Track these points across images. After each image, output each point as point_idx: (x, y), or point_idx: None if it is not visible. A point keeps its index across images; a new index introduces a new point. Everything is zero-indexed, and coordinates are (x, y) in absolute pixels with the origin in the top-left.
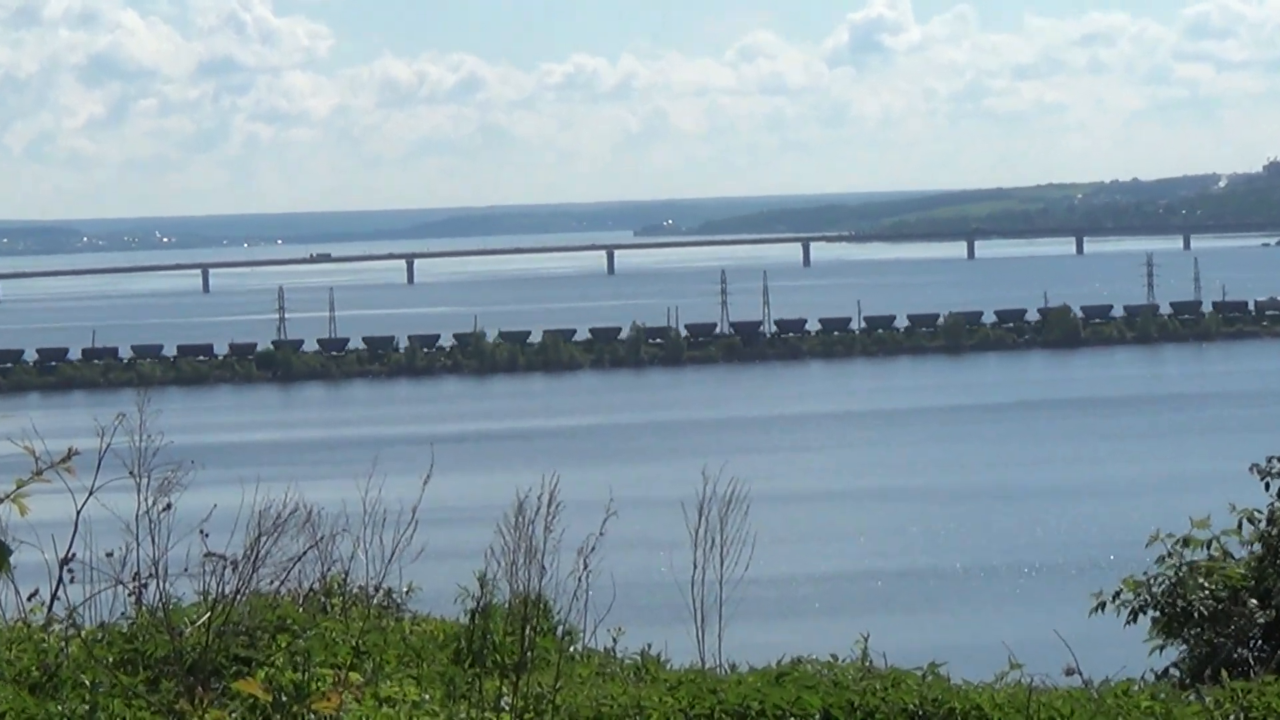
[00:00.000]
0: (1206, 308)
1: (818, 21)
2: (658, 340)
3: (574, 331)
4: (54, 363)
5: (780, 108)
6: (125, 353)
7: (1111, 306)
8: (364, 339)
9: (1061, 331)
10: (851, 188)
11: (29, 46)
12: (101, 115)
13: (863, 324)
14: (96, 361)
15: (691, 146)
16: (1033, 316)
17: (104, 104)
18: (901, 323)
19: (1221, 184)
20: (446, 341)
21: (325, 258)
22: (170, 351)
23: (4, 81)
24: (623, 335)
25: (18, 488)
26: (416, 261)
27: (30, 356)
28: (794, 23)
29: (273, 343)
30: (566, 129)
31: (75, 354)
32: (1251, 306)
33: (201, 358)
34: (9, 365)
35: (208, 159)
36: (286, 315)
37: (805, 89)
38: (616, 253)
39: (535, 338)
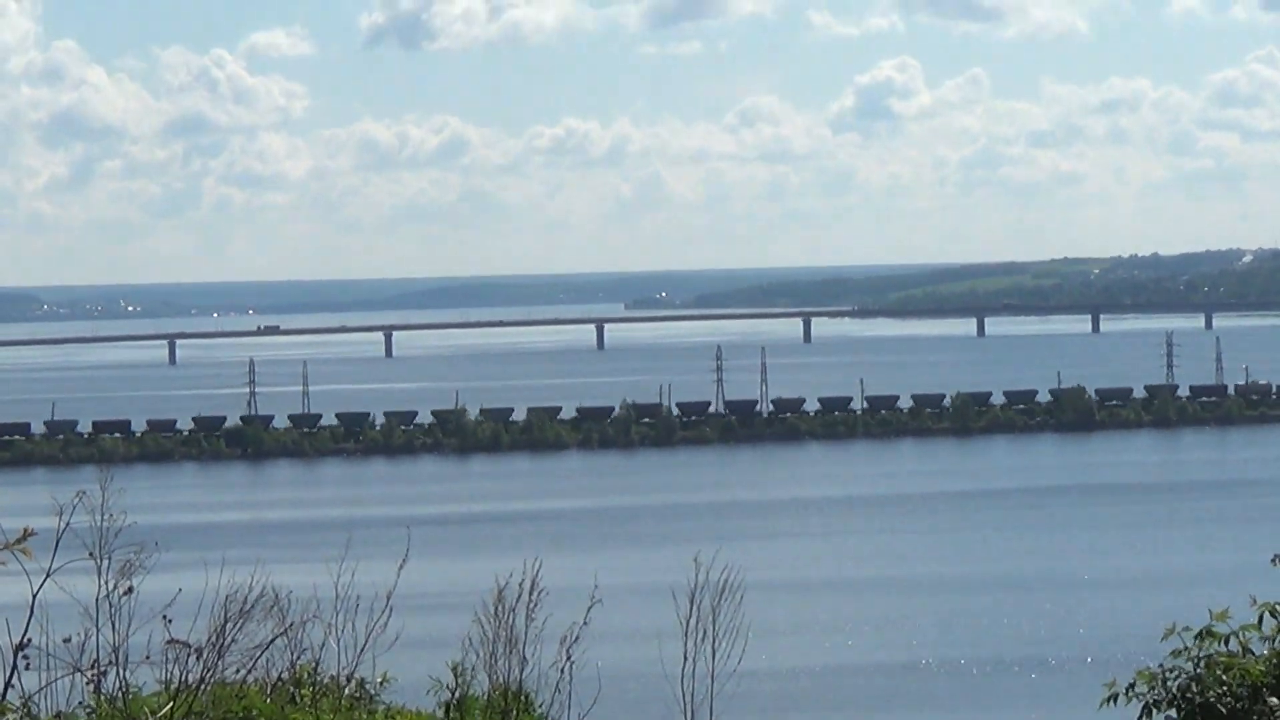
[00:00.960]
0: (1230, 390)
1: (823, 85)
2: (649, 420)
3: (560, 409)
4: (11, 437)
5: (782, 175)
6: (86, 427)
7: (1132, 390)
8: (338, 415)
9: (1075, 414)
10: (856, 260)
11: None
12: (64, 176)
13: (865, 404)
14: (57, 437)
15: (687, 215)
16: (1044, 397)
17: (67, 164)
18: (906, 403)
19: (1246, 259)
20: (425, 419)
21: (274, 329)
22: (135, 427)
23: None
24: (612, 414)
25: None
26: (395, 334)
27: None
28: (798, 86)
29: (242, 418)
30: (556, 195)
31: (35, 428)
32: (1276, 391)
33: (167, 433)
34: None
35: (176, 223)
36: (257, 389)
37: (808, 155)
38: (607, 326)
39: (519, 416)
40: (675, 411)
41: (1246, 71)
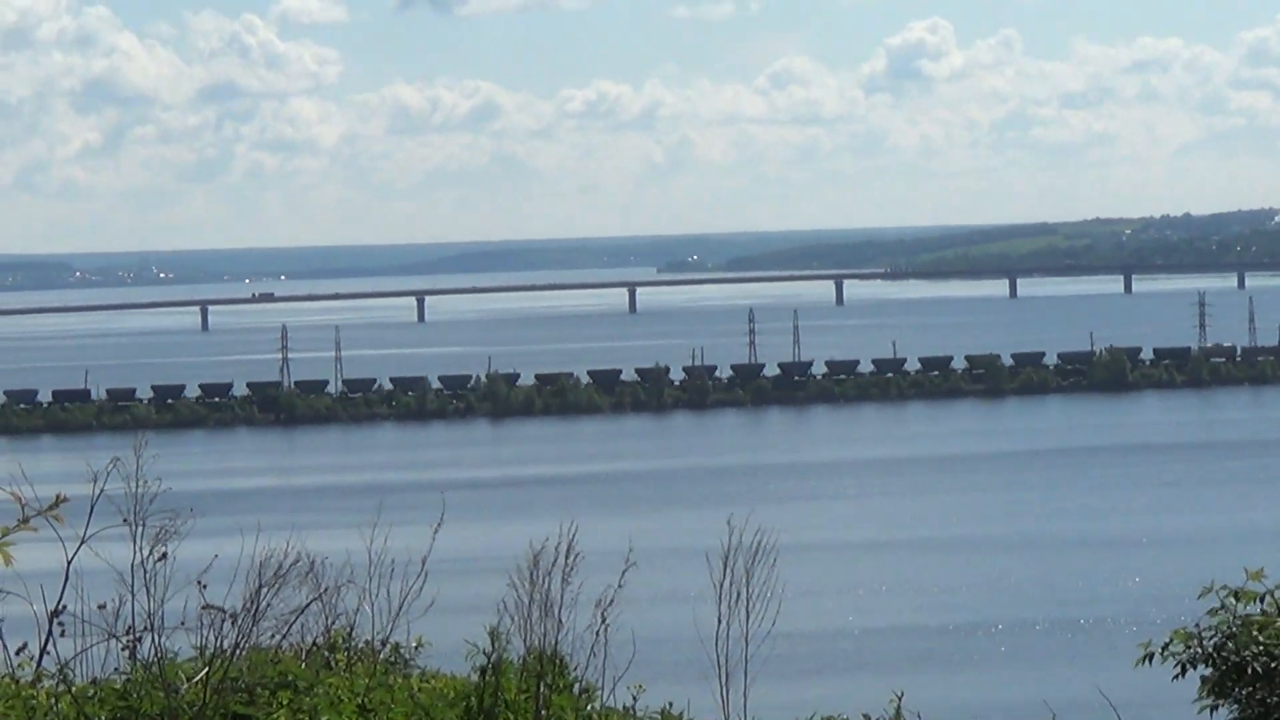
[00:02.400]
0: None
1: (854, 46)
2: (681, 382)
3: (615, 373)
4: (45, 404)
5: (814, 137)
6: (120, 394)
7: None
8: (371, 381)
9: (1109, 374)
10: (888, 222)
11: (20, 70)
12: (96, 143)
13: (895, 365)
14: (89, 403)
15: (719, 178)
16: (1052, 360)
17: (99, 131)
18: (957, 364)
19: (1278, 219)
20: (459, 383)
21: (269, 296)
22: (168, 393)
23: None
24: (644, 377)
25: (2, 536)
26: (428, 299)
27: (18, 398)
28: (829, 48)
29: (276, 384)
30: (587, 159)
31: (68, 395)
32: (1240, 353)
33: (200, 399)
34: None
35: (208, 190)
36: (290, 355)
37: (840, 117)
38: (639, 290)
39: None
40: (719, 374)
41: (1278, 30)
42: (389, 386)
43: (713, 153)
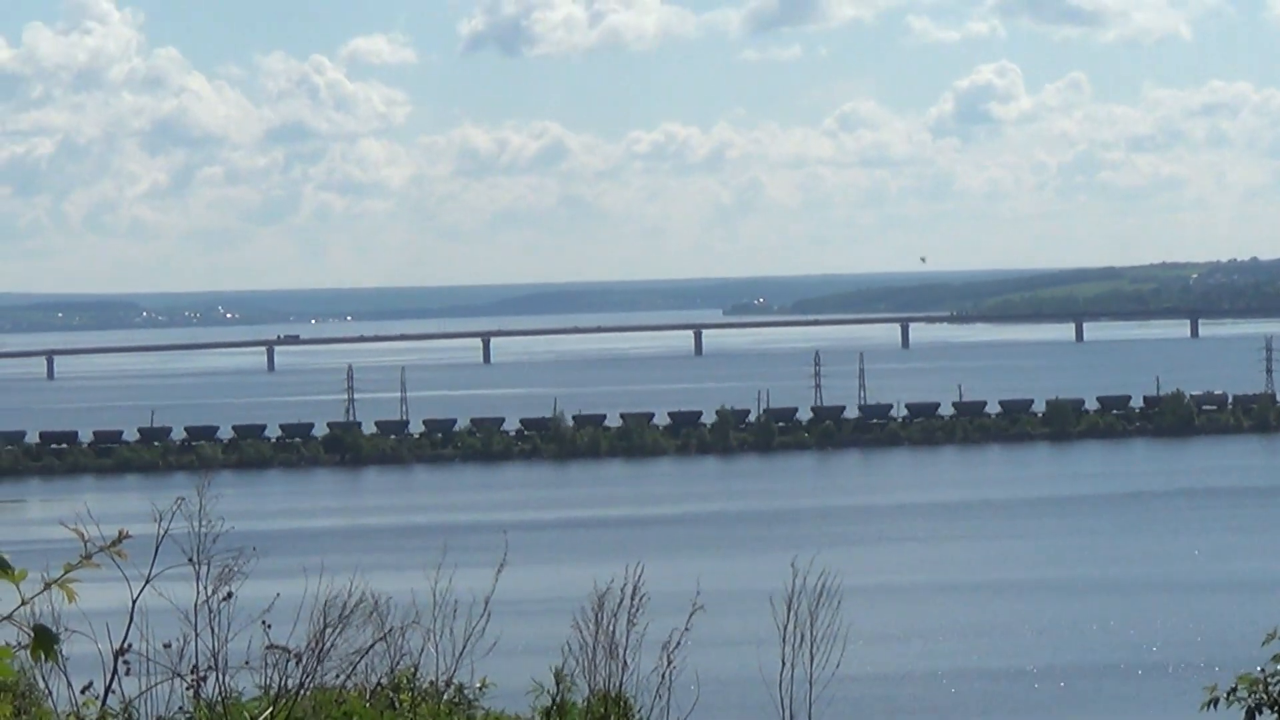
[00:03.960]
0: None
1: (922, 89)
2: (746, 425)
3: (656, 415)
4: (110, 444)
5: (881, 180)
6: (184, 434)
7: (1227, 396)
8: (437, 421)
9: (1174, 419)
10: (954, 266)
11: (90, 111)
12: (165, 183)
13: (968, 409)
14: (155, 443)
15: (786, 220)
16: (1138, 403)
17: (167, 172)
18: (996, 409)
19: None
20: (523, 425)
21: (294, 339)
22: (231, 433)
23: (63, 148)
24: (709, 420)
25: (66, 572)
26: (493, 340)
27: (86, 438)
28: (897, 90)
29: (338, 424)
30: (654, 201)
31: (132, 435)
32: (1231, 401)
33: (265, 439)
34: (64, 446)
35: (275, 230)
36: (355, 396)
37: (907, 160)
38: (705, 332)
39: (616, 421)
40: (778, 417)
41: None
42: (456, 427)
43: (780, 195)
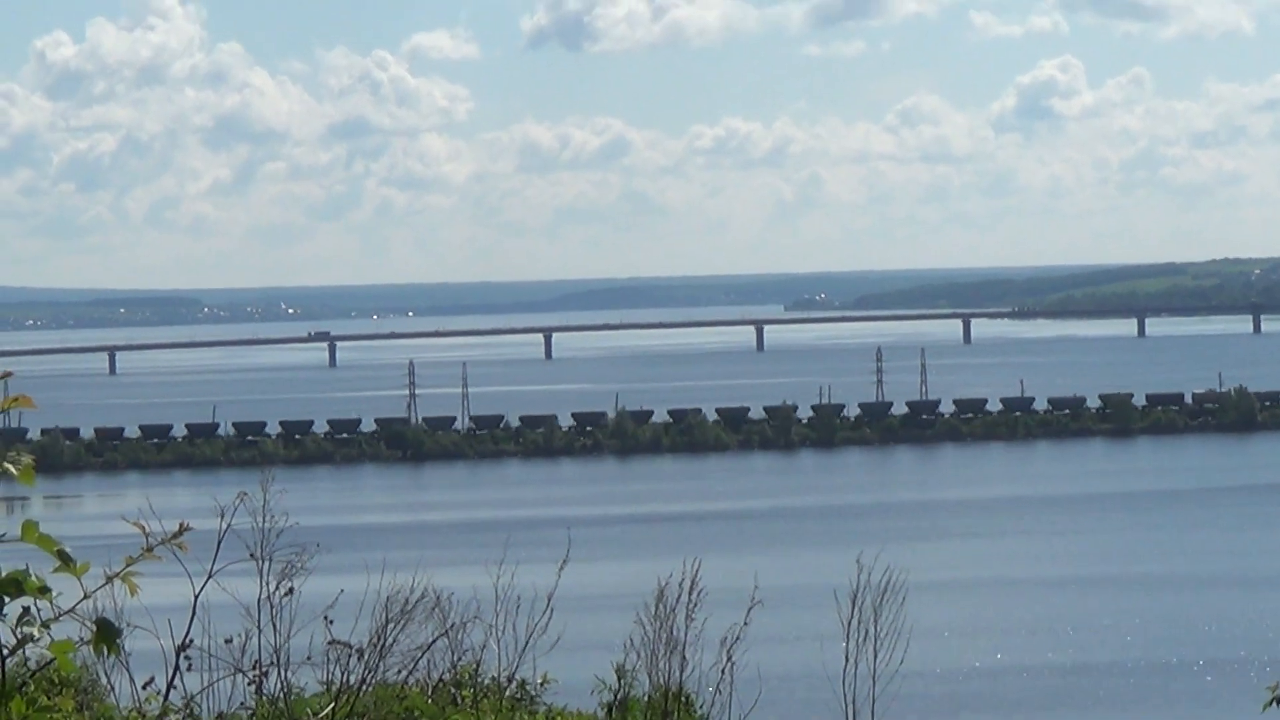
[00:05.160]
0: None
1: (984, 85)
2: (807, 420)
3: (743, 410)
4: (172, 440)
5: (943, 176)
6: (249, 428)
7: None
8: (498, 416)
9: (1237, 414)
10: (1016, 261)
11: (153, 107)
12: (227, 179)
13: (1017, 405)
14: (217, 438)
15: (848, 216)
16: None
17: (230, 167)
18: (1092, 403)
19: None
20: (585, 420)
21: (324, 335)
22: (295, 429)
23: (125, 144)
24: (770, 416)
25: (127, 565)
26: (555, 335)
27: (142, 432)
28: (959, 86)
29: (385, 420)
30: (716, 196)
31: (195, 430)
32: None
33: (325, 435)
34: (115, 443)
35: (337, 226)
36: (417, 391)
37: (969, 156)
38: (766, 328)
39: (665, 418)
40: (842, 412)
41: None
42: (517, 423)
43: (841, 190)
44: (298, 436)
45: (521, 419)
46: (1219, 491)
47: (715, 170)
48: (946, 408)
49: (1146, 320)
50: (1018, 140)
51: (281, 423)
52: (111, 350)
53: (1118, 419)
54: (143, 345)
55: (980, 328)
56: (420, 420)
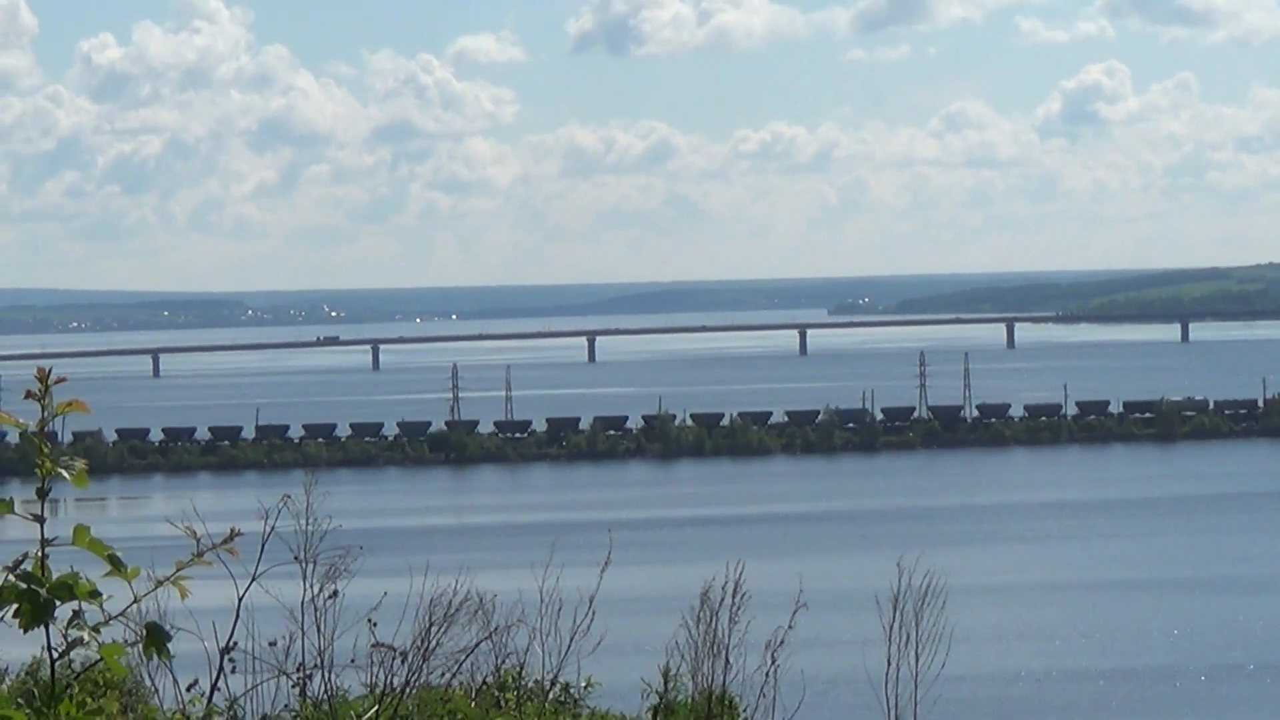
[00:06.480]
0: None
1: (1029, 90)
2: (852, 425)
3: (766, 415)
4: (218, 442)
5: (987, 180)
6: (292, 432)
7: None
8: (543, 420)
9: None
10: (1060, 266)
11: (198, 109)
12: (271, 182)
13: (1073, 409)
14: (261, 441)
15: (891, 220)
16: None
17: (274, 170)
18: (1115, 408)
19: None
20: (630, 423)
21: (333, 340)
22: (339, 431)
23: (170, 146)
24: (816, 419)
25: (177, 570)
26: (599, 339)
27: (167, 435)
28: (1004, 91)
29: (446, 423)
30: (760, 200)
31: (235, 432)
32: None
33: (370, 438)
34: (143, 442)
35: (381, 229)
36: (461, 394)
37: (1014, 161)
38: (810, 332)
39: (723, 421)
40: (879, 417)
41: None
42: (548, 426)
43: (885, 195)
44: (346, 439)
45: (551, 420)
46: (1260, 496)
47: (759, 174)
48: (1017, 411)
49: (1190, 325)
50: (1063, 145)
51: (352, 425)
52: (155, 352)
53: (1163, 424)
54: (186, 348)
55: (1024, 332)
56: (459, 421)
